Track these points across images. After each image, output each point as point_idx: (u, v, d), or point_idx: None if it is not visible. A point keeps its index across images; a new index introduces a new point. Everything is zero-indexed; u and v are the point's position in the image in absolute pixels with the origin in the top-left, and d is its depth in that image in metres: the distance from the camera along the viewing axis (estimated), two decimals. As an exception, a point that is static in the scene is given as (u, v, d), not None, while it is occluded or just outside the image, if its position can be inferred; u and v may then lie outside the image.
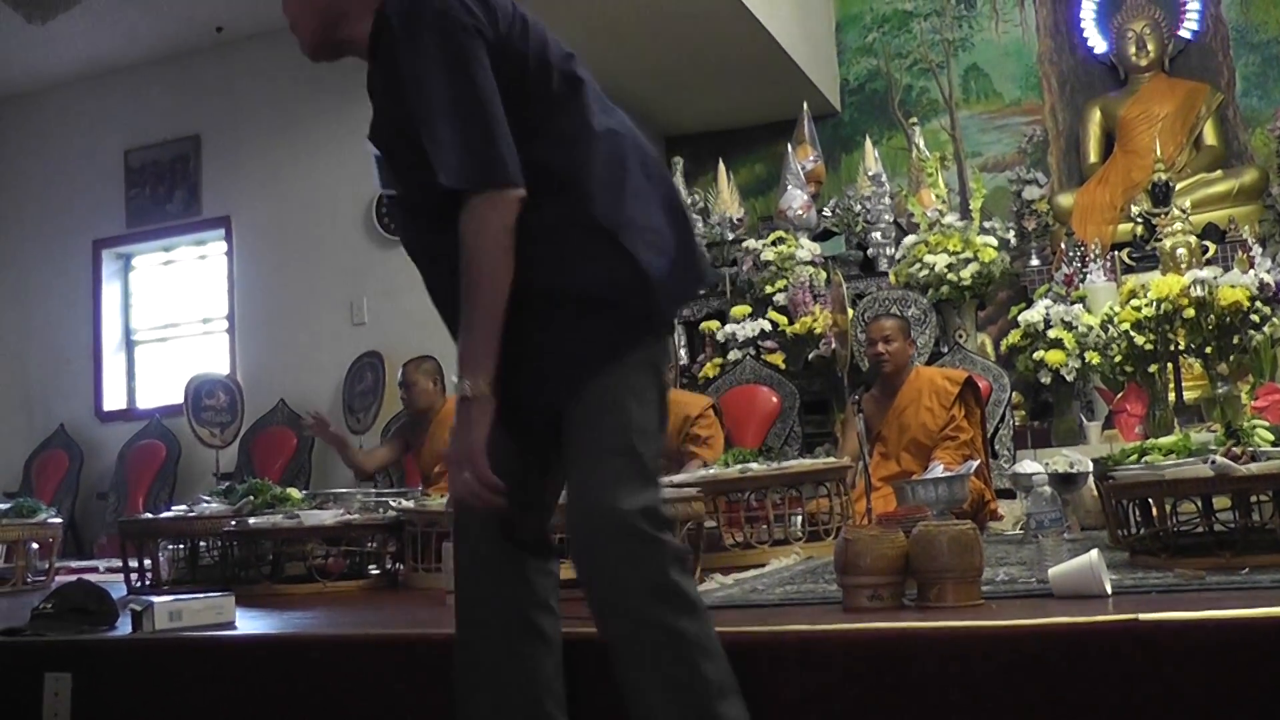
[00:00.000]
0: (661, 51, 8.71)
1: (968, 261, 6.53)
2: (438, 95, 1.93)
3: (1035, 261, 8.20)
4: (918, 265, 6.64)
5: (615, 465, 1.96)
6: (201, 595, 3.04)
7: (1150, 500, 2.97)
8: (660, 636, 1.90)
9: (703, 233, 7.78)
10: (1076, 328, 6.30)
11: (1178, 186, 7.99)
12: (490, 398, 1.92)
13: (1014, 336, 6.55)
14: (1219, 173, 8.49)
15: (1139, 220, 7.63)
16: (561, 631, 2.16)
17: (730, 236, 7.81)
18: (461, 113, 1.93)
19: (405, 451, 6.11)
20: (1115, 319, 6.03)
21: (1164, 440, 3.10)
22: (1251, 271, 5.93)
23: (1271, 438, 2.91)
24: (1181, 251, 6.52)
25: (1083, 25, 9.42)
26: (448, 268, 2.00)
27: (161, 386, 8.64)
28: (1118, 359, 6.00)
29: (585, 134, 2.03)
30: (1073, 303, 6.61)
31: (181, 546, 4.40)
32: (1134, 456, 3.07)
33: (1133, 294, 6.02)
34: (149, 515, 5.02)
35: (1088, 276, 6.92)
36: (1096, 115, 9.19)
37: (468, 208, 1.93)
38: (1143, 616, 1.99)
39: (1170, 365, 6.02)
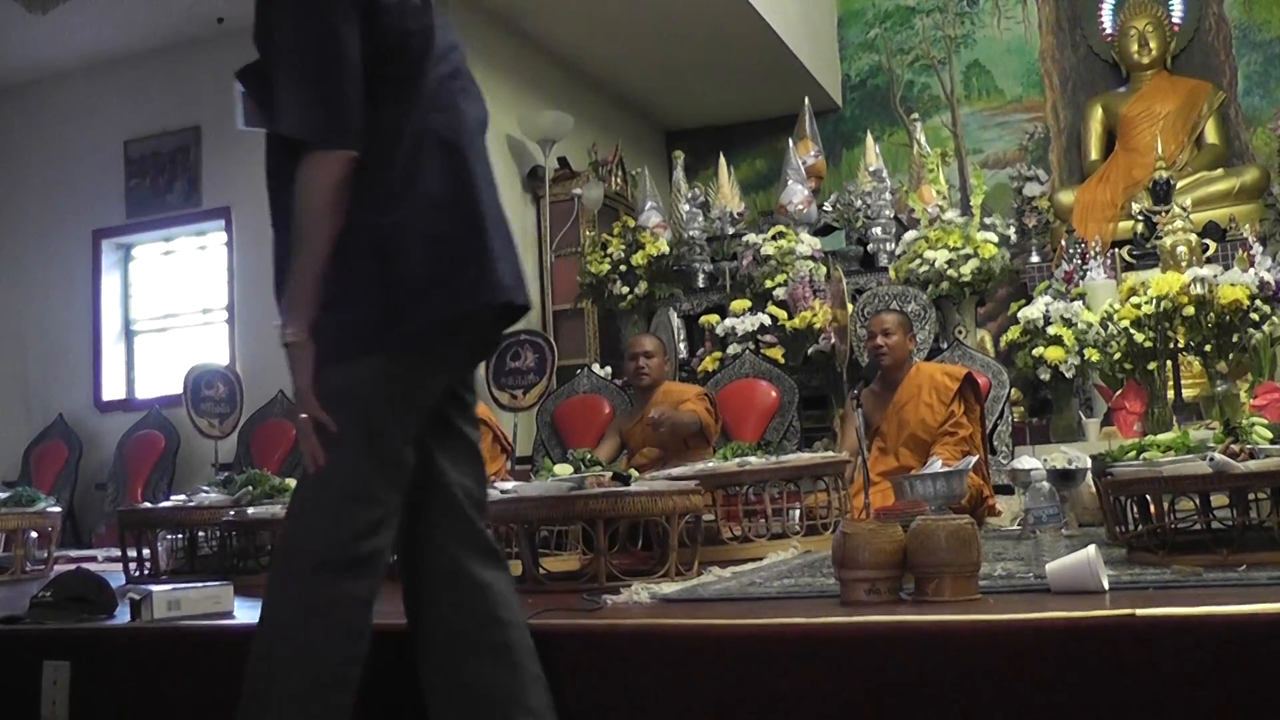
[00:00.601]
0: (664, 46, 8.72)
1: (968, 258, 6.53)
2: (296, 47, 1.99)
3: (1035, 258, 8.21)
4: (918, 261, 6.64)
5: (302, 490, 2.06)
6: (200, 585, 3.04)
7: (1148, 497, 2.97)
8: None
9: (703, 226, 7.78)
10: (1076, 325, 6.30)
11: (1179, 185, 8.00)
12: (309, 344, 1.98)
13: (1013, 333, 6.55)
14: (1220, 171, 8.51)
15: (1139, 218, 7.64)
16: (524, 640, 2.16)
17: (730, 231, 7.82)
18: (314, 68, 1.98)
19: None
20: (1115, 316, 6.03)
21: (1162, 437, 3.10)
22: (1251, 270, 5.93)
23: (1270, 435, 2.91)
24: (1182, 249, 6.53)
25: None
26: (279, 204, 2.07)
27: (161, 377, 8.65)
28: (1117, 356, 6.00)
29: (403, 129, 2.05)
30: (1072, 300, 6.61)
31: (180, 536, 4.41)
32: (1132, 453, 3.08)
33: (1132, 291, 6.02)
34: (148, 505, 5.02)
35: (1088, 274, 6.92)
36: (1098, 113, 9.20)
37: (303, 160, 1.98)
38: (1140, 612, 1.99)
39: (1169, 363, 6.02)
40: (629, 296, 7.52)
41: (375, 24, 2.01)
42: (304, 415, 1.99)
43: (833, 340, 6.46)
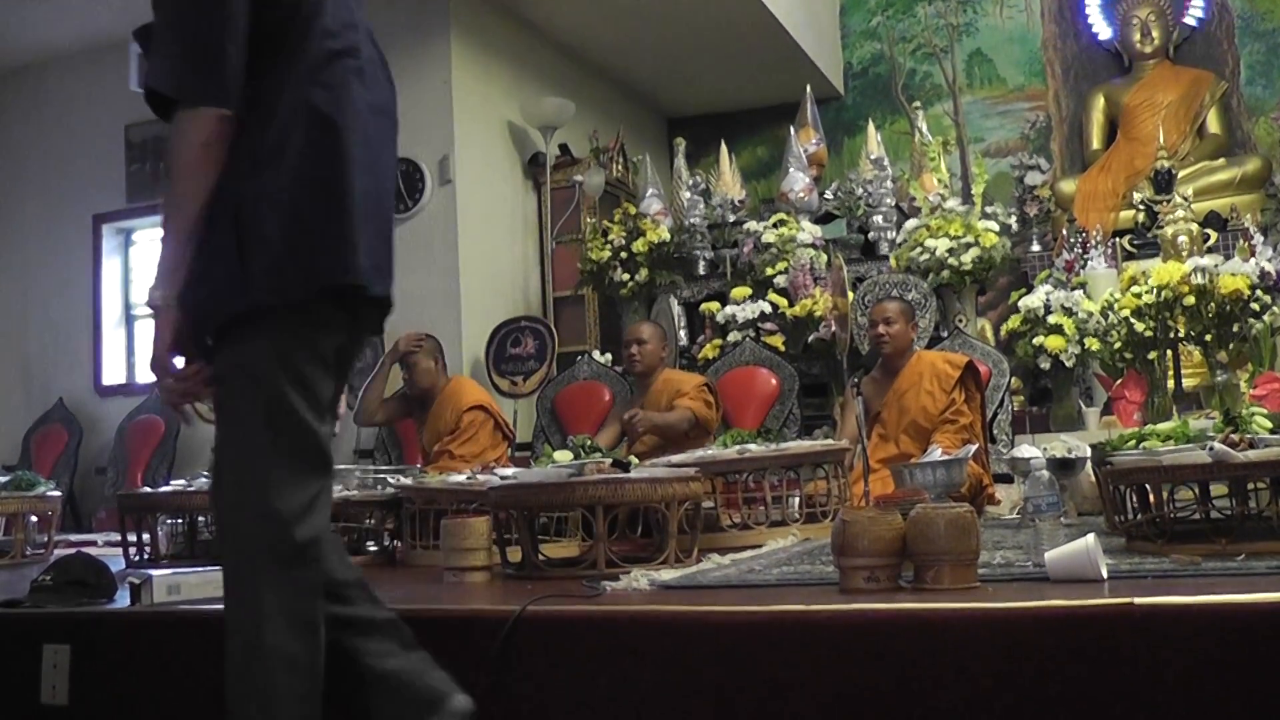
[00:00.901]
0: (666, 33, 8.70)
1: (969, 246, 6.52)
2: (181, 4, 1.98)
3: (1036, 247, 8.20)
4: (919, 249, 6.63)
5: (225, 489, 2.06)
6: (199, 569, 3.05)
7: (1147, 486, 2.97)
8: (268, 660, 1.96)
9: (704, 214, 7.78)
10: (1077, 314, 6.30)
11: (1180, 174, 7.99)
12: (174, 308, 1.99)
13: (1014, 322, 6.55)
14: (1221, 161, 8.50)
15: (1141, 207, 7.63)
16: (349, 606, 2.15)
17: (731, 218, 7.81)
18: (194, 24, 1.97)
19: (404, 416, 6.13)
20: (1115, 306, 6.03)
21: (1162, 426, 3.10)
22: (1252, 260, 5.93)
23: (1269, 425, 2.91)
24: (1183, 239, 6.52)
25: (1088, 11, 9.41)
26: None
27: (161, 362, 8.64)
28: (1117, 345, 6.00)
29: (279, 100, 2.02)
30: (1073, 289, 6.60)
31: (180, 521, 4.41)
32: (1132, 442, 3.08)
33: (1133, 281, 6.02)
34: (148, 490, 5.03)
35: (1088, 263, 6.91)
36: (1100, 102, 9.19)
37: (175, 118, 1.98)
38: (1138, 601, 1.99)
39: (1170, 352, 6.02)
40: (629, 283, 7.51)
41: None
42: (168, 383, 2.00)
43: (833, 328, 6.46)
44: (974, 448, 4.26)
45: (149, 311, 2.01)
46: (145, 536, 4.36)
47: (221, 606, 2.80)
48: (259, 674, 1.95)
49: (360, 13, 2.19)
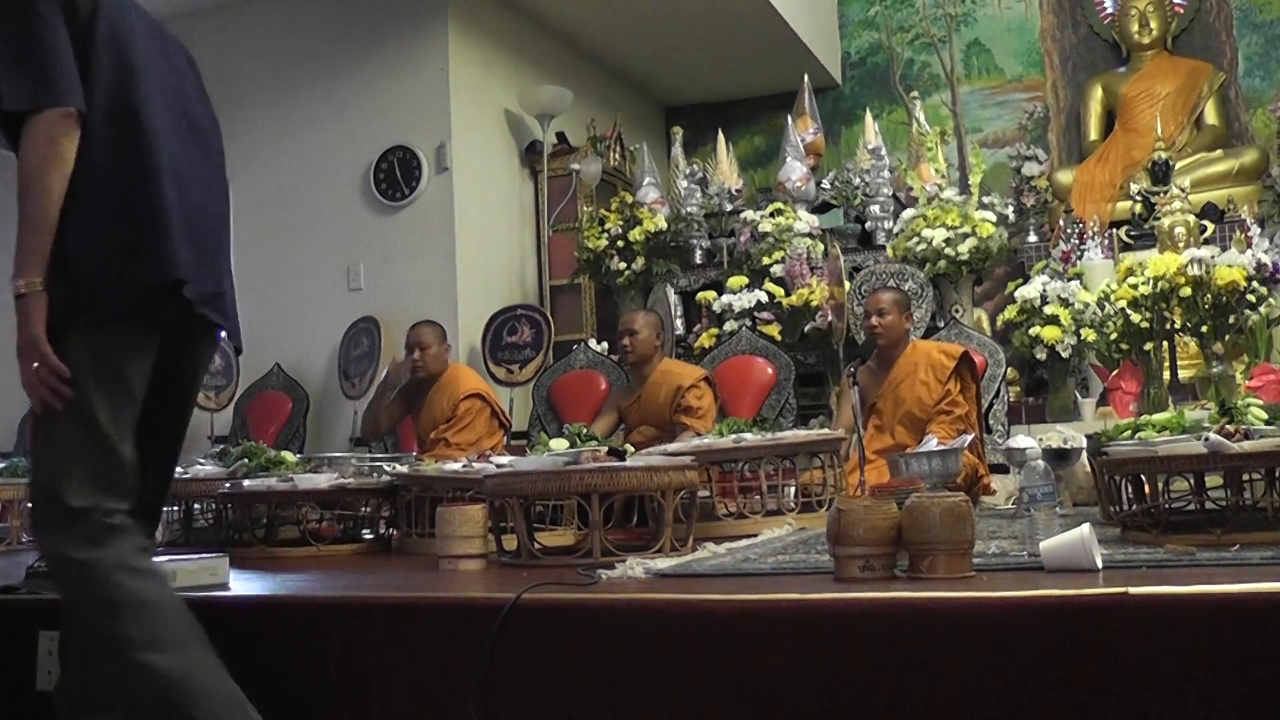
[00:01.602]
0: (663, 22, 8.70)
1: (966, 236, 6.52)
2: (7, 31, 2.10)
3: (1033, 238, 8.20)
4: (915, 239, 6.63)
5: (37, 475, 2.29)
6: (195, 556, 3.05)
7: (1142, 476, 2.98)
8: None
9: (701, 203, 7.77)
10: (1073, 305, 6.30)
11: (1177, 165, 7.98)
12: (42, 292, 2.10)
13: (1010, 312, 6.55)
14: (1219, 152, 8.49)
15: (1138, 198, 7.63)
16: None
17: (728, 207, 7.80)
18: (21, 44, 2.10)
19: (406, 413, 6.12)
20: (1112, 296, 6.03)
21: (1158, 417, 3.10)
22: (1249, 251, 5.93)
23: (1265, 416, 2.91)
24: (1180, 230, 6.52)
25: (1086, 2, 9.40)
26: None
27: (157, 349, 8.62)
28: (1114, 336, 6.00)
29: (85, 129, 2.14)
30: (1070, 279, 6.61)
31: (176, 508, 4.41)
32: (1128, 433, 3.08)
33: (1130, 272, 6.02)
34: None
35: (1085, 254, 6.91)
36: (1098, 92, 9.18)
37: (25, 126, 2.10)
38: (1133, 591, 2.00)
39: (1166, 344, 6.02)
40: (626, 272, 7.51)
41: (69, 17, 2.15)
42: (35, 365, 2.11)
43: (829, 318, 6.46)
44: (969, 438, 4.26)
45: (16, 300, 2.13)
46: (141, 523, 4.36)
47: (216, 593, 2.83)
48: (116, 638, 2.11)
49: (151, 45, 2.33)
